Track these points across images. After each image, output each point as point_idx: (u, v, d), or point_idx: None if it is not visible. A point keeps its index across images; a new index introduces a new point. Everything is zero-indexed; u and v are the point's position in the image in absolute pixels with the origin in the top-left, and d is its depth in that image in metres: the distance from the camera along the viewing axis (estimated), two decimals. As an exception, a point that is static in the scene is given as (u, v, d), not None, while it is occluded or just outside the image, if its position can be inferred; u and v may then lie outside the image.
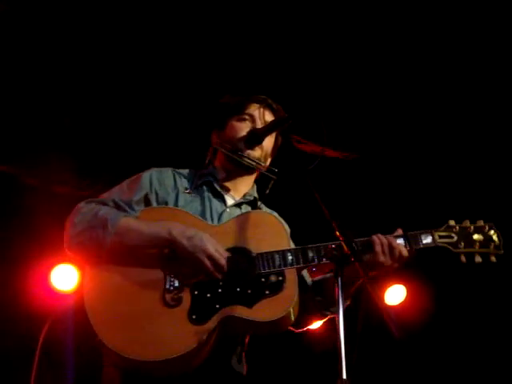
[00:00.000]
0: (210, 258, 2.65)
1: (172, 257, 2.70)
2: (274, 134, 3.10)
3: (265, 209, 3.13)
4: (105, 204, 2.86)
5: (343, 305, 2.33)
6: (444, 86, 4.83)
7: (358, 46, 4.51)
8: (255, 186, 3.18)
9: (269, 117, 3.08)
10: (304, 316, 2.91)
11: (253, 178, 3.16)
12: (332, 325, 2.52)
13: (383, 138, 5.25)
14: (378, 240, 2.77)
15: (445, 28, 4.38)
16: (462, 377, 5.83)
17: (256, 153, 3.02)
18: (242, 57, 4.56)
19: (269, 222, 2.87)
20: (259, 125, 3.05)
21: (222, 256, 2.67)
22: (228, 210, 3.00)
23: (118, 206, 2.85)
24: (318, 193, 2.51)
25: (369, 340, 5.58)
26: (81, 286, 5.09)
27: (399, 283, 5.82)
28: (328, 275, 2.88)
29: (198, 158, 3.23)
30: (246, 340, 2.92)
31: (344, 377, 2.21)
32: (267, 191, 3.07)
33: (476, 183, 5.43)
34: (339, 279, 2.36)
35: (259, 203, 3.10)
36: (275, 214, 3.13)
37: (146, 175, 2.97)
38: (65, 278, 5.31)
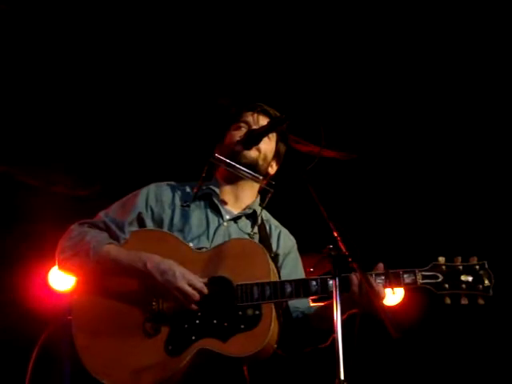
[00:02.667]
0: (183, 293, 2.66)
1: (149, 286, 2.73)
2: (273, 139, 3.11)
3: (271, 223, 3.11)
4: (96, 226, 2.93)
5: (340, 307, 2.34)
6: (442, 87, 4.83)
7: (355, 45, 4.51)
8: (258, 198, 3.15)
9: (263, 121, 3.08)
10: (299, 345, 2.93)
11: (256, 188, 3.14)
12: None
13: (381, 138, 5.25)
14: (356, 280, 2.70)
15: (444, 27, 4.38)
16: (459, 376, 5.83)
17: (252, 153, 3.02)
18: (241, 58, 4.56)
19: (253, 251, 2.82)
20: (253, 128, 3.06)
21: (196, 289, 2.66)
22: (225, 223, 2.99)
23: (108, 229, 2.90)
24: (316, 193, 2.50)
25: (366, 340, 5.58)
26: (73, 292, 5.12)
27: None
28: (329, 304, 2.79)
29: (196, 166, 3.24)
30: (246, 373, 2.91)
31: (342, 377, 2.21)
32: (264, 204, 3.06)
33: (476, 181, 5.44)
34: (336, 279, 2.37)
35: (264, 215, 3.09)
36: (280, 230, 3.11)
37: (143, 193, 3.00)
38: (63, 278, 5.31)
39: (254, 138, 2.99)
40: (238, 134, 3.07)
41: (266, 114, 3.12)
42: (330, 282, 2.64)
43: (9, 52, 4.36)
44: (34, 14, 4.15)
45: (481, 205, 5.50)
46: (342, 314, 2.54)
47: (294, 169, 2.61)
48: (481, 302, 2.71)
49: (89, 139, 5.11)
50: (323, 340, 2.86)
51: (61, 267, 2.90)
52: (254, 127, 3.06)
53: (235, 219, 3.03)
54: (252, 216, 3.08)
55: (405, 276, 2.72)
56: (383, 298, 2.71)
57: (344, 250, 2.39)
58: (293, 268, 3.05)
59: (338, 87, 4.79)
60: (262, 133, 2.97)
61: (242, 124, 3.10)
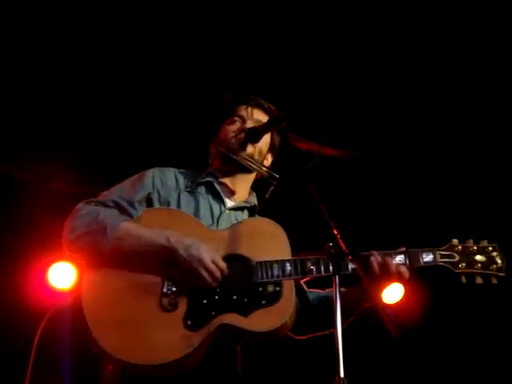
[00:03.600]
0: (206, 268, 2.64)
1: (170, 263, 2.69)
2: (268, 132, 3.09)
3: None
4: (105, 205, 2.85)
5: (340, 304, 2.32)
6: (442, 86, 4.83)
7: (354, 44, 4.51)
8: (255, 194, 3.17)
9: (258, 115, 3.09)
10: (308, 327, 2.94)
11: (249, 183, 3.16)
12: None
13: (381, 136, 5.25)
14: (375, 260, 2.75)
15: (444, 27, 4.38)
16: (459, 375, 5.83)
17: (248, 149, 3.02)
18: (240, 55, 4.56)
19: (271, 229, 2.85)
20: (249, 124, 3.06)
21: (218, 267, 2.66)
22: (227, 212, 3.00)
23: (118, 206, 2.84)
24: (316, 191, 2.50)
25: (366, 338, 5.58)
26: (79, 285, 5.09)
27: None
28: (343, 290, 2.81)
29: (194, 158, 3.23)
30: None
31: (342, 375, 2.21)
32: (267, 196, 3.06)
33: (475, 180, 5.44)
34: (337, 277, 2.37)
35: (258, 206, 3.10)
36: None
37: (149, 174, 2.96)
38: (62, 275, 5.30)
39: (255, 135, 2.99)
40: (233, 129, 3.07)
41: (260, 107, 3.13)
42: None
43: (8, 50, 4.36)
44: (33, 13, 4.15)
45: (481, 204, 5.50)
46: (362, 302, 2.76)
47: (293, 167, 2.61)
48: (494, 281, 2.80)
49: (89, 135, 5.11)
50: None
51: (71, 247, 2.78)
52: (249, 122, 3.06)
53: (236, 209, 3.05)
54: (250, 210, 3.10)
55: (423, 255, 2.80)
56: (405, 277, 2.76)
57: (344, 248, 2.39)
58: None
59: (338, 85, 4.79)
60: (263, 130, 2.97)
61: (237, 118, 3.10)
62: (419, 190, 5.58)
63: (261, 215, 3.13)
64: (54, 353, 5.13)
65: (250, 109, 3.10)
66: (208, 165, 3.17)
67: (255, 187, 3.21)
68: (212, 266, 2.64)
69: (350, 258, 2.40)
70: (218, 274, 2.65)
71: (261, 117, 3.10)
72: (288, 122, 2.85)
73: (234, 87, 3.22)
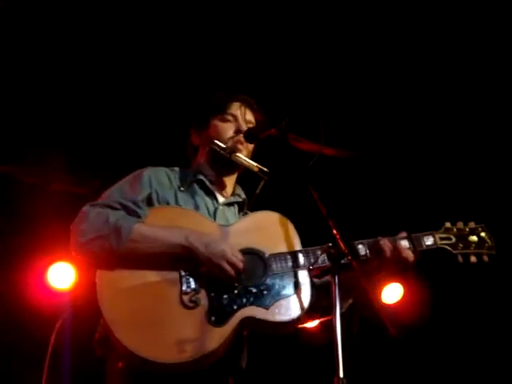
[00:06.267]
0: (229, 263, 2.67)
1: (190, 260, 2.70)
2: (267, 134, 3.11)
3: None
4: (111, 207, 2.82)
5: (340, 303, 2.35)
6: (441, 84, 4.83)
7: (354, 43, 4.51)
8: (240, 187, 3.19)
9: (249, 116, 3.10)
10: (321, 310, 2.93)
11: (236, 176, 3.18)
12: (328, 321, 2.52)
13: (381, 136, 5.25)
14: (386, 245, 2.81)
15: (444, 27, 4.39)
16: (459, 375, 5.83)
17: (244, 151, 3.05)
18: (239, 55, 4.55)
19: (278, 221, 2.89)
20: (242, 124, 3.07)
21: (239, 259, 2.69)
22: (221, 207, 3.02)
23: (125, 208, 2.82)
24: (315, 191, 2.50)
25: (365, 338, 5.58)
26: (78, 286, 5.10)
27: (396, 281, 5.83)
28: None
29: (178, 154, 3.24)
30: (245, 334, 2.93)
31: (341, 375, 2.22)
32: (257, 191, 3.07)
33: (474, 181, 5.44)
34: (336, 277, 2.37)
35: (249, 200, 3.12)
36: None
37: (145, 174, 2.95)
38: (61, 276, 5.30)
39: (251, 137, 2.97)
40: (226, 128, 3.07)
41: (251, 107, 3.13)
42: (360, 245, 2.80)
43: (7, 50, 4.35)
44: (32, 12, 4.15)
45: (480, 204, 5.50)
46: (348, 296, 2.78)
47: (293, 167, 2.61)
48: (486, 259, 2.93)
49: (87, 136, 5.11)
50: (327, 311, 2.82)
51: (82, 250, 2.73)
52: (241, 122, 3.07)
53: (228, 204, 3.07)
54: (240, 204, 3.13)
55: (425, 238, 2.91)
56: (412, 261, 2.83)
57: (343, 248, 2.39)
58: None
59: (338, 85, 4.79)
60: (262, 131, 2.95)
61: (230, 117, 3.10)
62: (417, 189, 5.59)
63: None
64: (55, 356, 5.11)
65: (243, 108, 3.10)
66: (189, 157, 3.19)
67: (244, 182, 3.22)
68: (234, 259, 2.67)
69: (349, 258, 2.40)
70: (240, 265, 2.68)
71: (252, 118, 3.12)
72: (287, 121, 2.85)
73: (232, 87, 3.21)
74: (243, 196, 3.16)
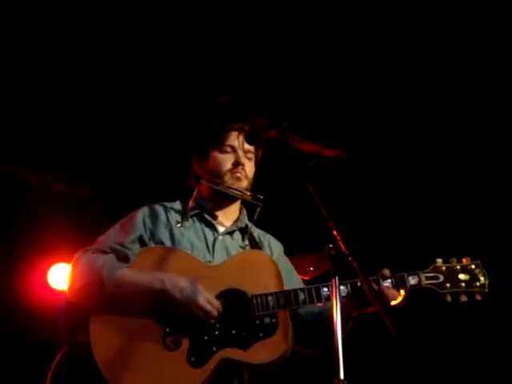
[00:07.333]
0: (202, 310, 2.72)
1: (167, 305, 2.77)
2: (253, 156, 3.16)
3: (257, 232, 3.18)
4: (103, 252, 2.93)
5: (340, 304, 2.34)
6: (442, 86, 4.83)
7: (354, 44, 4.51)
8: (245, 211, 3.21)
9: (247, 145, 3.08)
10: (316, 341, 2.99)
11: (239, 202, 3.19)
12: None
13: (381, 137, 5.25)
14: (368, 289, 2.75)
15: (444, 27, 4.38)
16: (459, 376, 5.82)
17: (242, 183, 3.08)
18: (240, 57, 4.56)
19: (263, 261, 2.92)
20: (240, 154, 3.09)
21: (213, 307, 2.74)
22: (220, 237, 3.05)
23: (115, 252, 2.92)
24: (316, 192, 2.50)
25: (366, 339, 5.57)
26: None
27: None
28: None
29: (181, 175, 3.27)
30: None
31: (342, 377, 2.22)
32: (255, 217, 3.10)
33: (474, 182, 5.44)
34: (336, 278, 2.38)
35: (250, 226, 3.14)
36: (268, 236, 3.20)
37: (139, 215, 3.02)
38: (62, 277, 5.31)
39: (253, 139, 2.95)
40: (224, 160, 3.09)
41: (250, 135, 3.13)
42: (342, 286, 2.79)
43: (6, 50, 4.36)
44: (32, 11, 4.15)
45: (479, 205, 5.50)
46: (354, 312, 2.82)
47: (293, 168, 2.61)
48: (478, 297, 2.87)
49: (88, 138, 5.11)
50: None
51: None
52: (239, 152, 3.08)
53: (229, 233, 3.10)
54: (243, 230, 3.15)
55: (409, 278, 2.87)
56: (396, 300, 2.86)
57: (344, 250, 2.39)
58: (289, 272, 3.12)
59: (338, 85, 4.79)
60: (262, 134, 2.94)
61: (228, 148, 3.11)
62: (417, 190, 5.58)
63: (261, 222, 3.17)
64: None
65: (241, 138, 3.09)
66: (191, 185, 3.22)
67: (247, 203, 3.22)
68: (207, 306, 2.72)
69: (350, 259, 2.40)
70: (213, 313, 2.74)
71: (248, 147, 3.10)
72: (288, 122, 2.84)
73: (234, 89, 3.21)
74: (245, 221, 3.17)
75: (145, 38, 4.44)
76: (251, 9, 4.22)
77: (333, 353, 2.25)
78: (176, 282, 2.76)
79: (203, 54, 4.52)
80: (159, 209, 3.07)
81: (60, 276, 5.33)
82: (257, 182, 3.22)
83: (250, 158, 3.13)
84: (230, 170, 3.07)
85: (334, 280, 2.39)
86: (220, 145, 3.12)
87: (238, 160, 3.08)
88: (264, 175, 3.19)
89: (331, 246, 2.43)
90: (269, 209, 3.16)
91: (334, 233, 2.41)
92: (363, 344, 5.45)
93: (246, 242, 3.10)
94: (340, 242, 2.40)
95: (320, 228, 2.50)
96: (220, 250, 3.01)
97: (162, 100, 4.92)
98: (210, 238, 3.03)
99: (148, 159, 5.12)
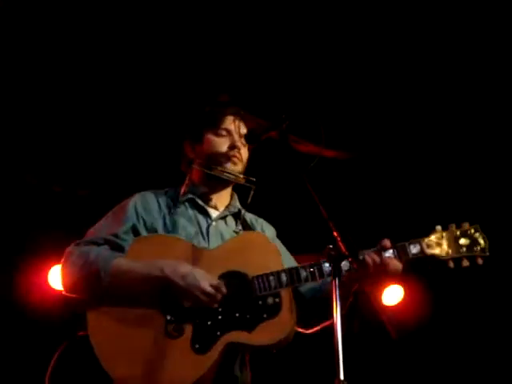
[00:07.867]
0: (206, 294, 2.68)
1: (167, 292, 2.72)
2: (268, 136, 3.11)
3: (249, 217, 3.16)
4: (96, 243, 2.87)
5: (340, 305, 2.33)
6: (442, 85, 4.83)
7: (353, 45, 4.51)
8: (236, 196, 3.20)
9: (244, 129, 3.09)
10: (316, 319, 2.96)
11: (231, 186, 3.18)
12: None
13: (381, 137, 5.26)
14: (370, 259, 2.77)
15: (444, 27, 4.39)
16: (459, 377, 5.83)
17: (237, 167, 3.06)
18: (240, 57, 4.56)
19: (261, 242, 2.91)
20: (236, 138, 3.07)
21: (217, 290, 2.70)
22: (214, 223, 3.03)
23: (109, 243, 2.87)
24: (316, 193, 2.51)
25: (366, 340, 5.58)
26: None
27: (396, 283, 5.84)
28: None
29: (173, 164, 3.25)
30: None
31: (342, 377, 2.21)
32: (249, 200, 3.08)
33: (472, 181, 5.44)
34: (336, 279, 2.37)
35: (243, 212, 3.12)
36: (261, 220, 3.18)
37: (131, 204, 2.97)
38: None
39: (252, 139, 2.96)
40: (220, 143, 3.07)
41: (245, 119, 3.13)
42: (343, 262, 2.69)
43: (6, 50, 4.36)
44: (31, 11, 4.15)
45: (479, 207, 5.51)
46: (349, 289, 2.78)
47: (293, 169, 2.61)
48: (480, 261, 2.84)
49: (88, 138, 5.11)
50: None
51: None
52: (235, 136, 3.06)
53: (222, 218, 3.08)
54: (236, 215, 3.13)
55: (411, 247, 2.83)
56: (400, 271, 2.79)
57: (344, 250, 2.39)
58: (284, 253, 3.08)
59: (338, 86, 4.79)
60: (261, 134, 2.94)
61: (224, 132, 3.09)
62: (417, 190, 5.59)
63: (258, 216, 3.17)
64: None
65: (237, 122, 3.10)
66: (183, 170, 3.20)
67: (237, 191, 3.23)
68: (211, 290, 2.68)
69: (350, 259, 2.40)
70: (218, 296, 2.69)
71: (244, 131, 3.09)
72: (288, 123, 2.85)
73: (233, 89, 3.21)
74: (237, 205, 3.16)
75: (142, 35, 4.44)
76: (251, 9, 4.22)
77: (333, 353, 2.25)
78: (176, 268, 2.71)
79: (203, 54, 4.52)
80: (151, 196, 3.03)
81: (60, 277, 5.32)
82: (256, 182, 3.21)
83: (244, 143, 3.09)
84: (226, 153, 3.05)
85: (334, 281, 2.38)
86: (216, 128, 3.09)
87: (235, 143, 3.06)
88: (264, 175, 3.19)
89: (331, 246, 2.44)
90: (269, 209, 3.16)
91: (334, 233, 2.42)
92: (363, 344, 5.46)
93: (240, 227, 3.07)
94: (340, 243, 2.40)
95: (320, 228, 2.50)
96: (214, 235, 2.98)
97: (156, 96, 4.90)
98: (204, 224, 3.00)
99: (148, 159, 5.12)
